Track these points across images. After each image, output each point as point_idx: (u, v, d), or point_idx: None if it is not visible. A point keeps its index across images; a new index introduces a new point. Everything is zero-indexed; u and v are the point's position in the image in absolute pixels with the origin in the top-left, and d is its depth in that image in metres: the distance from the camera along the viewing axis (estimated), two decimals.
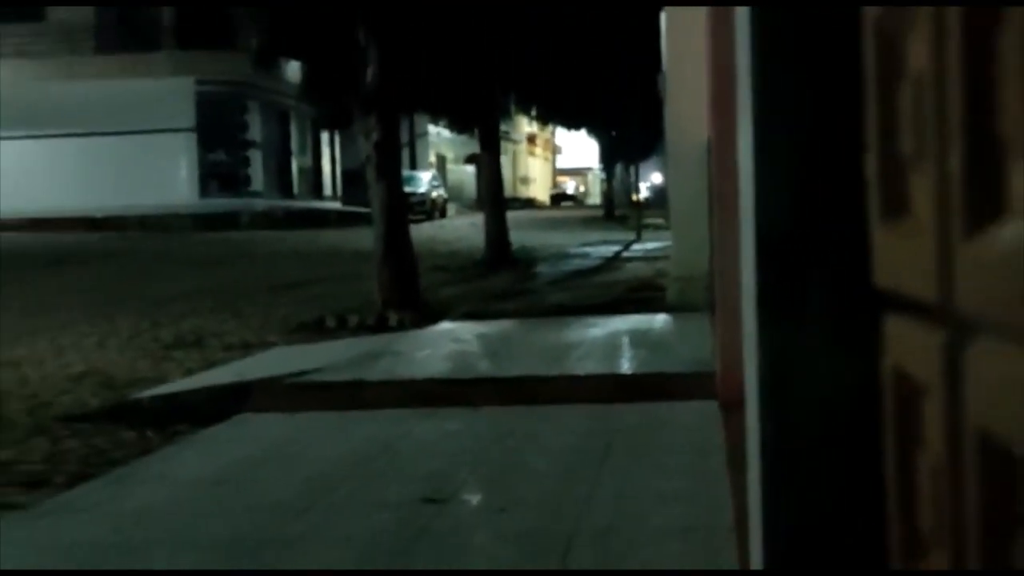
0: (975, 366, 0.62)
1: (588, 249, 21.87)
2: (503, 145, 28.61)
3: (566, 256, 20.42)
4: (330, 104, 16.28)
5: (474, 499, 4.59)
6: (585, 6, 16.78)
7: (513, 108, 25.86)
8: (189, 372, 8.42)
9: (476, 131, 19.78)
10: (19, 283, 15.99)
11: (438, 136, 47.32)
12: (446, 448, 5.42)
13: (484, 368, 7.95)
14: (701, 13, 7.15)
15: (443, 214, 38.85)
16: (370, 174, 11.28)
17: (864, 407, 1.41)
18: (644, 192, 45.77)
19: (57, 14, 33.67)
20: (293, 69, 21.84)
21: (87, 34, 33.67)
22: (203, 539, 4.03)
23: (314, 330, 10.62)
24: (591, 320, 10.02)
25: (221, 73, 32.19)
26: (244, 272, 17.80)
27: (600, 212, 42.18)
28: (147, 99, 32.58)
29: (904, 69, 0.75)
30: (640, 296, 11.85)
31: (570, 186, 77.05)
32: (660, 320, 9.91)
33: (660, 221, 22.42)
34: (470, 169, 49.08)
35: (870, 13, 0.82)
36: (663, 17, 10.11)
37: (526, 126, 60.54)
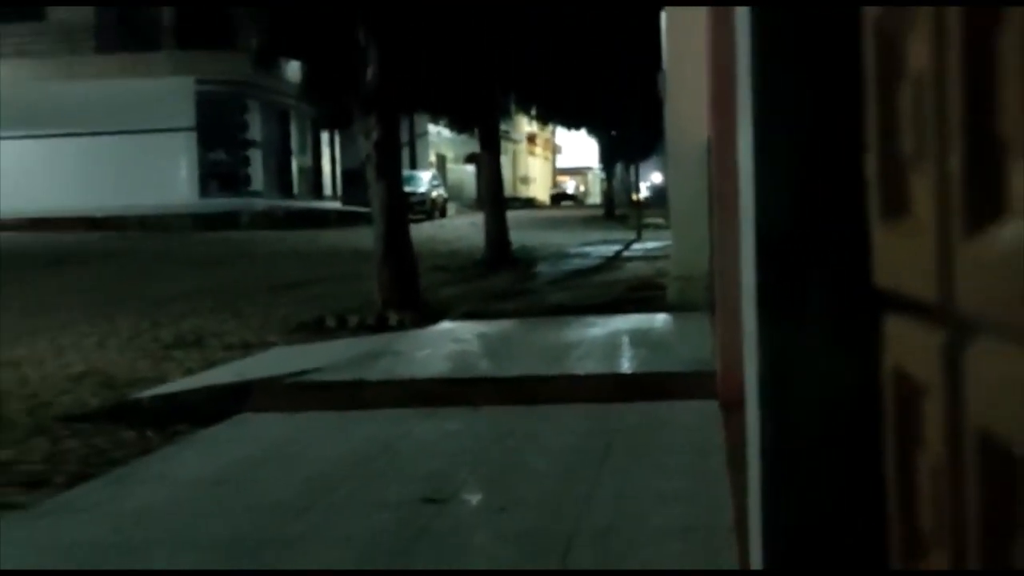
0: (975, 366, 0.62)
1: (588, 249, 21.87)
2: (503, 145, 28.61)
3: (566, 256, 20.42)
4: (330, 104, 16.29)
5: (474, 499, 4.59)
6: (585, 6, 16.78)
7: (513, 108, 25.87)
8: (189, 372, 8.42)
9: (476, 131, 19.79)
10: (19, 283, 15.99)
11: (438, 136, 47.33)
12: (446, 448, 5.42)
13: (484, 368, 7.95)
14: (701, 13, 7.15)
15: (443, 214, 38.85)
16: (370, 174, 11.28)
17: (864, 407, 1.41)
18: (644, 192, 45.77)
19: (57, 14, 33.67)
20: (293, 69, 21.85)
21: (87, 34, 33.67)
22: (203, 539, 4.03)
23: (314, 330, 10.62)
24: (591, 320, 10.02)
25: (221, 73, 32.20)
26: (244, 272, 17.80)
27: (600, 212, 42.18)
28: (147, 99, 32.58)
29: (904, 69, 0.74)
30: (640, 296, 11.85)
31: (570, 186, 77.03)
32: (660, 320, 9.91)
33: (660, 221, 22.42)
34: (470, 169, 49.09)
35: (870, 13, 0.82)
36: (663, 17, 10.12)
37: (526, 126, 60.54)
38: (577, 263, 18.48)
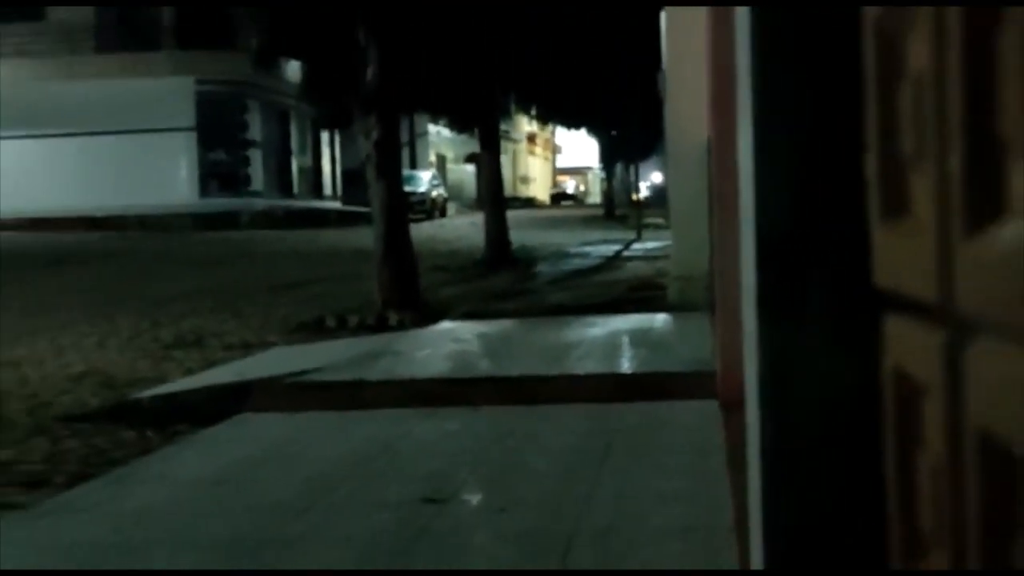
0: (975, 366, 0.62)
1: (588, 248, 21.87)
2: (503, 144, 28.61)
3: (566, 255, 20.42)
4: (330, 104, 16.29)
5: (474, 499, 4.59)
6: (585, 6, 16.78)
7: (513, 108, 25.87)
8: (189, 372, 8.42)
9: (476, 130, 19.78)
10: (19, 283, 15.99)
11: (438, 135, 47.32)
12: (446, 448, 5.42)
13: (484, 368, 7.95)
14: (701, 13, 7.15)
15: (443, 213, 38.85)
16: (370, 173, 11.28)
17: (864, 407, 1.41)
18: (644, 191, 45.77)
19: (57, 14, 33.68)
20: (293, 69, 21.84)
21: (87, 34, 33.67)
22: (203, 539, 4.03)
23: (314, 330, 10.62)
24: (591, 319, 10.02)
25: (221, 73, 32.20)
26: (244, 272, 17.80)
27: (600, 211, 42.18)
28: (147, 99, 32.58)
29: (904, 69, 0.74)
30: (640, 295, 11.85)
31: (570, 185, 77.03)
32: (660, 320, 9.91)
33: (660, 220, 22.42)
34: (470, 168, 49.08)
35: (870, 13, 0.82)
36: (663, 17, 10.12)
37: (526, 125, 60.54)
38: (577, 263, 18.47)
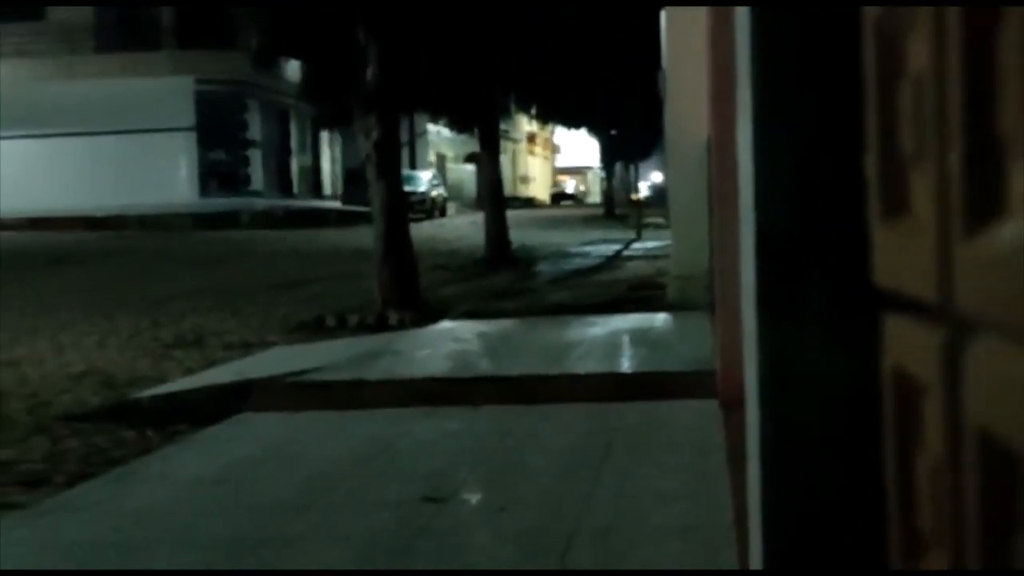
0: (975, 366, 0.62)
1: (588, 248, 21.87)
2: (503, 144, 28.62)
3: (566, 255, 20.42)
4: (330, 103, 16.27)
5: (474, 498, 4.59)
6: (585, 6, 16.78)
7: (513, 107, 25.86)
8: (189, 371, 8.42)
9: (476, 130, 19.78)
10: (19, 283, 15.99)
11: (438, 135, 47.32)
12: (446, 447, 5.42)
13: (484, 367, 7.95)
14: (701, 13, 7.15)
15: (443, 213, 38.85)
16: (370, 173, 11.29)
17: (864, 407, 1.41)
18: (644, 191, 45.77)
19: (57, 13, 33.68)
20: (293, 68, 21.85)
21: (87, 33, 33.68)
22: (203, 538, 4.03)
23: (314, 329, 10.62)
24: (591, 319, 10.02)
25: (221, 72, 32.20)
26: (244, 271, 17.80)
27: (600, 211, 42.17)
28: (147, 98, 32.59)
29: (904, 69, 0.75)
30: (640, 295, 11.85)
31: (570, 185, 76.97)
32: (660, 319, 9.91)
33: (660, 220, 22.42)
34: (470, 168, 49.06)
35: (870, 13, 0.82)
36: (663, 16, 10.11)
37: (526, 125, 60.52)
38: (577, 262, 18.48)
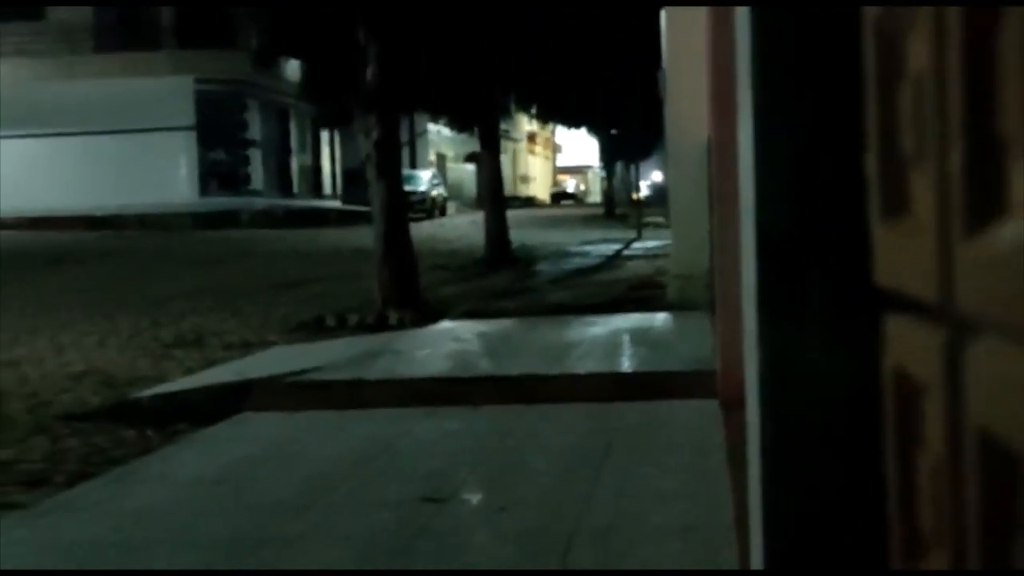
0: (975, 366, 0.62)
1: (588, 247, 21.87)
2: (503, 143, 28.62)
3: (566, 254, 20.42)
4: (330, 103, 16.28)
5: (474, 498, 4.59)
6: (585, 6, 16.78)
7: (513, 107, 25.86)
8: (189, 371, 8.42)
9: (476, 130, 19.78)
10: (19, 282, 16.00)
11: (438, 135, 47.32)
12: (446, 447, 5.42)
13: (484, 367, 7.95)
14: (701, 13, 7.15)
15: (443, 213, 38.85)
16: (370, 173, 11.29)
17: (864, 407, 1.41)
18: (644, 190, 45.77)
19: (57, 13, 33.68)
20: (293, 68, 21.84)
21: (87, 33, 33.68)
22: (203, 538, 4.03)
23: (314, 329, 10.62)
24: (591, 319, 10.02)
25: (221, 72, 32.20)
26: (244, 271, 17.80)
27: (600, 210, 42.18)
28: (147, 98, 32.59)
29: (904, 69, 0.74)
30: (640, 295, 11.85)
31: (570, 184, 76.97)
32: (660, 319, 9.91)
33: (660, 219, 22.42)
34: (470, 167, 49.07)
35: (870, 13, 0.82)
36: (663, 17, 10.12)
37: (526, 124, 60.54)
38: (577, 262, 18.48)
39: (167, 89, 32.61)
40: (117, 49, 32.94)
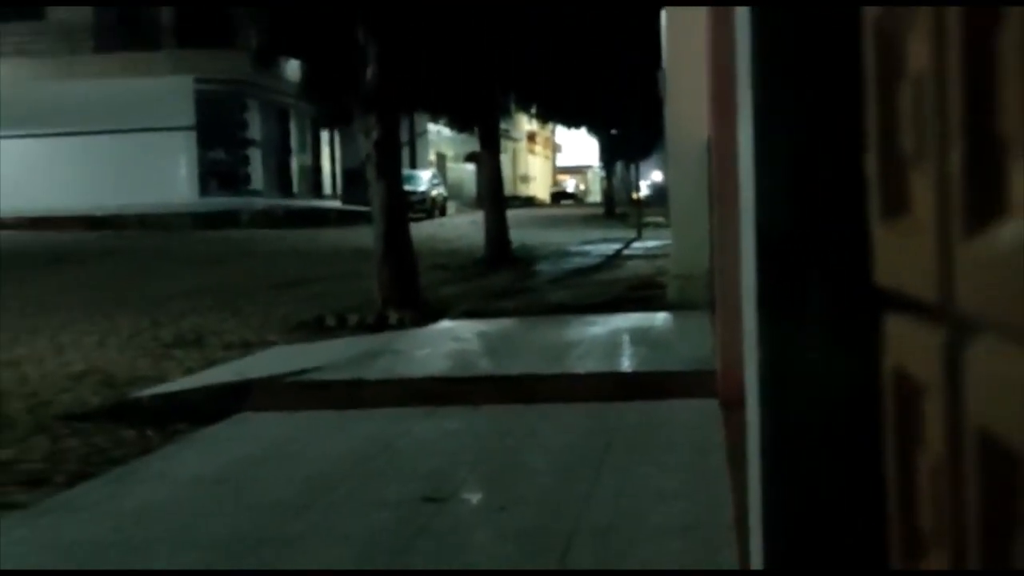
0: (975, 365, 0.62)
1: (588, 247, 21.87)
2: (503, 143, 28.60)
3: (566, 254, 20.42)
4: (330, 103, 16.28)
5: (474, 498, 4.59)
6: (585, 6, 16.78)
7: (513, 107, 25.86)
8: (189, 371, 8.42)
9: (476, 129, 19.78)
10: (19, 282, 16.00)
11: (438, 134, 47.32)
12: (446, 447, 5.42)
13: (484, 366, 7.95)
14: (701, 13, 7.15)
15: (443, 212, 38.85)
16: (370, 173, 11.29)
17: (864, 406, 1.41)
18: (644, 190, 45.77)
19: (57, 13, 33.68)
20: (293, 68, 21.84)
21: (87, 33, 33.68)
22: (203, 538, 4.03)
23: (314, 329, 10.62)
24: (591, 318, 10.02)
25: (221, 72, 32.20)
26: (244, 271, 17.80)
27: (600, 210, 42.19)
28: (147, 98, 32.58)
29: (904, 69, 0.74)
30: (640, 294, 11.85)
31: (570, 184, 76.98)
32: (660, 318, 9.91)
33: (660, 219, 22.42)
34: (470, 167, 49.06)
35: (870, 13, 0.82)
36: (663, 16, 10.12)
37: (526, 124, 60.54)
38: (577, 262, 18.48)
39: (167, 89, 32.61)
40: (117, 49, 32.95)
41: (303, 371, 7.47)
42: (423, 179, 37.83)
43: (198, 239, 25.82)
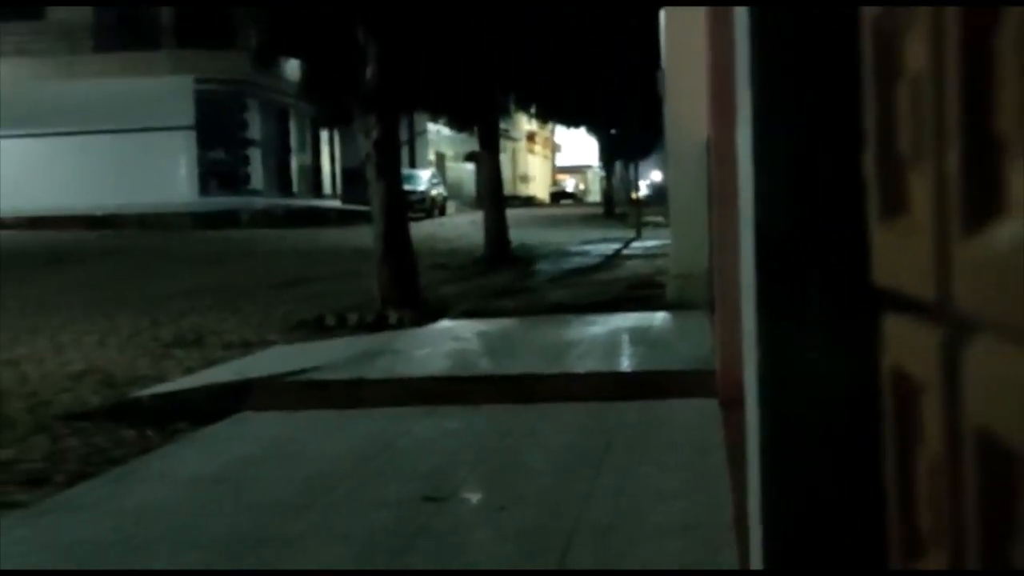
0: (974, 365, 0.62)
1: (588, 247, 21.87)
2: (503, 143, 28.60)
3: (566, 254, 20.42)
4: (330, 103, 16.28)
5: (474, 497, 4.59)
6: (585, 6, 16.78)
7: (513, 106, 25.86)
8: (189, 370, 8.42)
9: (476, 129, 19.78)
10: (19, 282, 16.00)
11: (438, 134, 47.32)
12: (445, 446, 5.42)
13: (484, 366, 7.95)
14: (700, 13, 7.15)
15: (443, 212, 38.86)
16: (370, 172, 11.29)
17: (863, 406, 1.41)
18: (644, 190, 45.78)
19: (57, 13, 33.68)
20: (292, 67, 21.84)
21: (87, 33, 33.68)
22: (203, 537, 4.03)
23: (314, 328, 10.62)
24: (591, 318, 10.02)
25: (220, 71, 32.21)
26: (244, 270, 17.80)
27: (600, 210, 42.18)
28: (147, 97, 32.59)
29: (902, 69, 0.75)
30: (640, 294, 11.86)
31: (570, 184, 76.98)
32: (660, 318, 9.91)
33: (660, 219, 22.42)
34: (469, 167, 49.07)
35: (869, 13, 0.82)
36: (662, 16, 10.12)
37: (526, 124, 60.54)
38: (577, 261, 18.48)
39: (167, 89, 32.61)
40: (117, 49, 32.95)
41: (303, 371, 7.47)
42: (423, 179, 37.83)
43: (198, 239, 25.82)
